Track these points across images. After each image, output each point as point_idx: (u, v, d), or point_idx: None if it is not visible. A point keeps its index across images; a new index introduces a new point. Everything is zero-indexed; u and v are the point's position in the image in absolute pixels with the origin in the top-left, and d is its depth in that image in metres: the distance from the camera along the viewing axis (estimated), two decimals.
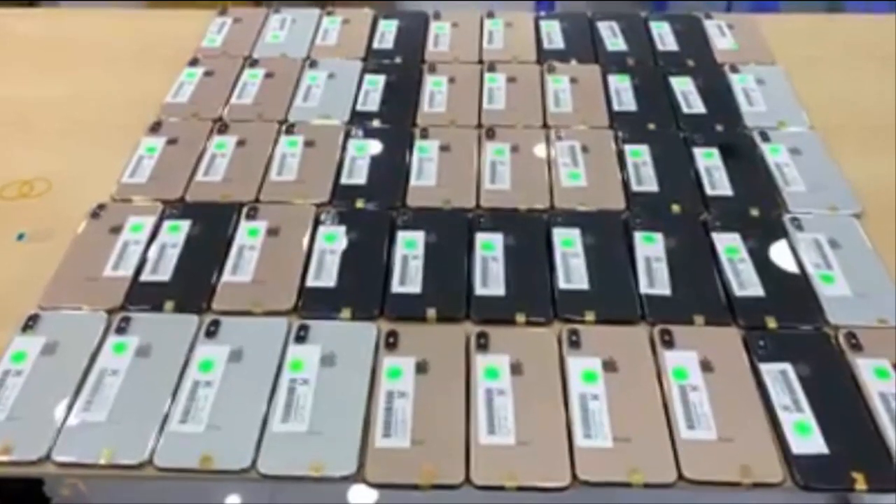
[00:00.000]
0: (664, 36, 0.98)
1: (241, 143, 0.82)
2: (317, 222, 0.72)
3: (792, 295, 0.66)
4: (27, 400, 0.58)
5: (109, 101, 0.89)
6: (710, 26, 1.00)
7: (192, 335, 0.63)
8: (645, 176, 0.78)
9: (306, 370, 0.60)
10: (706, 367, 0.60)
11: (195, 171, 0.78)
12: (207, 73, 0.91)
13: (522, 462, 0.54)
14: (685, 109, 0.86)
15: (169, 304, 0.65)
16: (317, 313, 0.65)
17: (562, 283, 0.67)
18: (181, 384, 0.59)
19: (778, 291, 0.66)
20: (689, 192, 0.76)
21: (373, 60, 0.94)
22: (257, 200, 0.75)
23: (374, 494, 1.06)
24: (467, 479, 0.54)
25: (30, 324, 0.63)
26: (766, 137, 0.82)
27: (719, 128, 0.84)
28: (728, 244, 0.70)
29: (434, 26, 1.00)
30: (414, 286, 0.67)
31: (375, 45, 0.97)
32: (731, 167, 0.78)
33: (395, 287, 0.66)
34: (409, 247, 0.70)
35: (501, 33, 0.99)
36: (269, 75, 0.91)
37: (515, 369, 0.60)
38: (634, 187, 0.76)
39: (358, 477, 0.54)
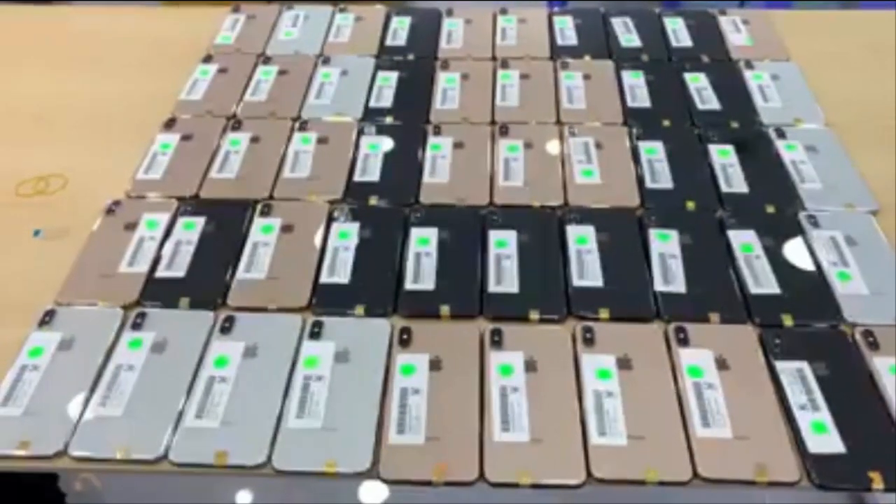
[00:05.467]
0: (678, 32, 0.98)
1: (254, 139, 0.82)
2: (330, 219, 0.73)
3: (808, 292, 0.66)
4: (44, 395, 0.59)
5: (124, 97, 0.89)
6: (725, 22, 0.99)
7: (207, 331, 0.63)
8: (659, 173, 0.77)
9: (321, 366, 0.60)
10: (721, 364, 0.60)
11: (209, 168, 0.78)
12: (221, 70, 0.92)
13: (536, 459, 0.54)
14: (700, 106, 0.86)
15: (184, 301, 0.65)
16: (331, 310, 0.65)
17: (576, 281, 0.67)
18: (196, 380, 0.60)
19: (794, 289, 0.66)
20: (704, 189, 0.76)
21: (386, 57, 0.94)
22: (271, 197, 0.75)
23: (388, 491, 1.07)
24: (481, 476, 0.54)
25: (46, 319, 0.64)
26: (781, 134, 0.81)
27: (734, 124, 0.83)
28: (744, 241, 0.70)
29: (447, 23, 1.00)
30: (427, 283, 0.67)
31: (388, 41, 0.97)
32: (746, 164, 0.78)
33: (409, 284, 0.66)
34: (423, 244, 0.70)
35: (514, 30, 0.99)
36: (282, 72, 0.91)
37: (529, 366, 0.60)
38: (649, 184, 0.76)
39: (372, 473, 0.54)
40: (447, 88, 0.89)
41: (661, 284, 0.66)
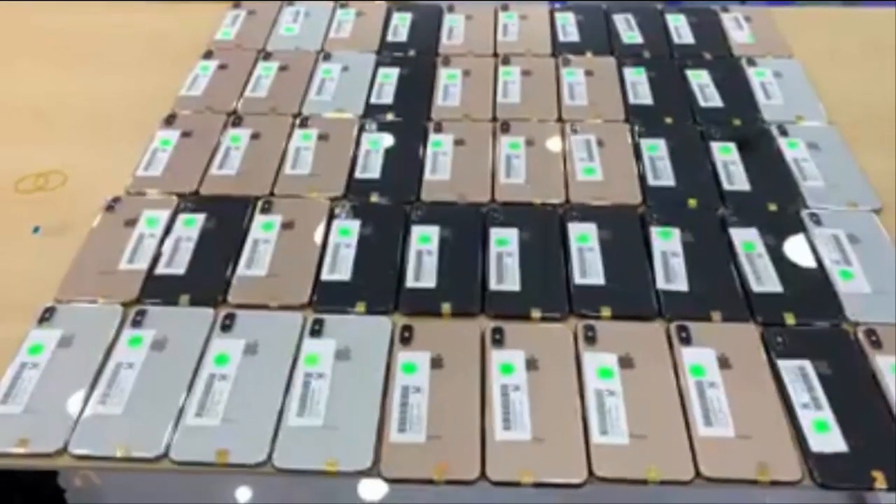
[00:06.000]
0: (680, 28, 0.97)
1: (255, 136, 0.81)
2: (331, 216, 0.72)
3: (810, 291, 0.65)
4: (44, 392, 0.58)
5: (124, 94, 0.89)
6: (727, 19, 0.99)
7: (208, 329, 0.63)
8: (661, 170, 0.77)
9: (321, 364, 0.60)
10: (724, 363, 0.60)
11: (210, 165, 0.78)
12: (221, 66, 0.91)
13: (538, 458, 0.54)
14: (702, 103, 0.86)
15: (184, 298, 0.65)
16: (331, 307, 0.64)
17: (577, 279, 0.66)
18: (197, 378, 0.59)
19: (796, 287, 0.65)
20: (706, 186, 0.75)
21: (387, 53, 0.94)
22: (272, 194, 0.75)
23: (389, 489, 1.07)
24: (482, 475, 0.54)
25: (46, 316, 0.64)
26: (783, 132, 0.81)
27: (736, 122, 0.83)
28: (745, 239, 0.69)
29: (448, 19, 1.00)
30: (428, 281, 0.66)
31: (389, 37, 0.96)
32: (748, 162, 0.78)
33: (410, 282, 0.66)
34: (424, 241, 0.70)
35: (516, 26, 0.98)
36: (283, 68, 0.91)
37: (531, 365, 0.60)
38: (651, 182, 0.76)
39: (373, 472, 0.54)
40: (448, 85, 0.88)
41: (662, 283, 0.66)
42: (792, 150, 0.79)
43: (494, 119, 0.84)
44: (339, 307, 0.64)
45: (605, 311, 0.64)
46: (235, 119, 0.84)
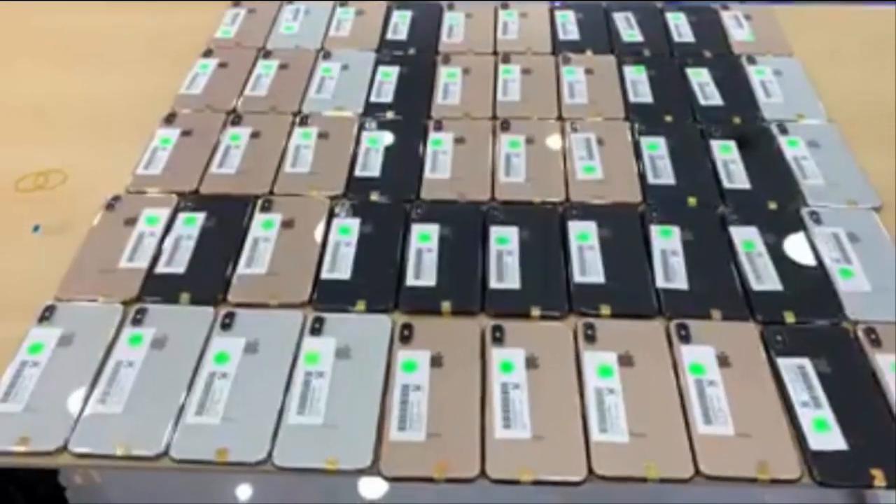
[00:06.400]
0: (680, 26, 0.97)
1: (255, 134, 0.81)
2: (331, 215, 0.72)
3: (810, 289, 0.65)
4: (44, 391, 0.58)
5: (124, 92, 0.89)
6: (727, 17, 0.99)
7: (208, 327, 0.63)
8: (661, 168, 0.77)
9: (322, 363, 0.60)
10: (723, 361, 0.60)
11: (209, 163, 0.78)
12: (221, 65, 0.91)
13: (538, 456, 0.54)
14: (702, 101, 0.86)
15: (184, 296, 0.65)
16: (331, 306, 0.65)
17: (577, 277, 0.66)
18: (197, 376, 0.59)
19: (796, 286, 0.65)
20: (706, 185, 0.75)
21: (386, 51, 0.94)
22: (272, 193, 0.75)
23: (389, 487, 1.07)
24: (482, 473, 0.54)
25: (46, 315, 0.64)
26: (784, 130, 0.81)
27: (737, 120, 0.83)
28: (745, 238, 0.69)
29: (448, 17, 1.00)
30: (428, 279, 0.66)
31: (389, 35, 0.96)
32: (748, 160, 0.78)
33: (410, 280, 0.66)
34: (424, 240, 0.70)
35: (516, 24, 0.98)
36: (282, 67, 0.91)
37: (531, 363, 0.60)
38: (651, 180, 0.76)
39: (373, 470, 0.54)
40: (448, 83, 0.88)
41: (662, 281, 0.66)
42: (792, 149, 0.79)
43: (494, 117, 0.84)
44: (339, 305, 0.65)
45: (605, 310, 0.64)
46: (235, 118, 0.84)
